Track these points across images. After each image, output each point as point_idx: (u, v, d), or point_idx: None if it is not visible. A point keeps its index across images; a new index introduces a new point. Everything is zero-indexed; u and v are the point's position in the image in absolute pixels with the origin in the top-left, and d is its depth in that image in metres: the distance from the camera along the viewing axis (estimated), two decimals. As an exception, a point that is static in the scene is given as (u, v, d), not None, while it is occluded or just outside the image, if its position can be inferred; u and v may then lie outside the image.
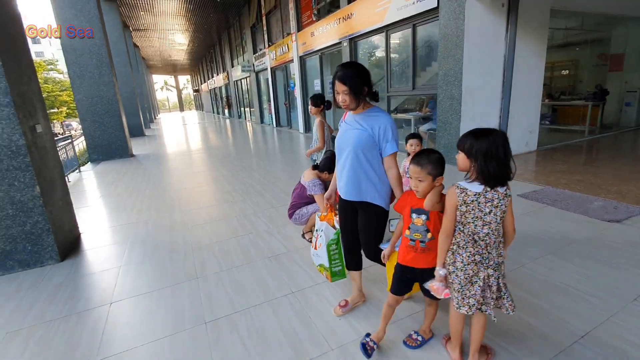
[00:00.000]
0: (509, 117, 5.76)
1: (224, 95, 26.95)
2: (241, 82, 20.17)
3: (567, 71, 10.74)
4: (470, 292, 1.50)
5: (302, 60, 11.15)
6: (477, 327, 1.60)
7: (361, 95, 1.78)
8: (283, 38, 12.31)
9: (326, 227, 2.20)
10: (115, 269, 2.99)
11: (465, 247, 1.49)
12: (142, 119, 15.53)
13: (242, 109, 21.67)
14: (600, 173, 4.78)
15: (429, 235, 1.56)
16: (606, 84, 8.61)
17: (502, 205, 1.42)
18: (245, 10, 16.20)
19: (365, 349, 1.73)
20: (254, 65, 16.13)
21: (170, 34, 21.38)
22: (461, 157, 1.44)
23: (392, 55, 7.24)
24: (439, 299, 1.66)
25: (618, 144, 6.78)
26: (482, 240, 1.46)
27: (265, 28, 13.74)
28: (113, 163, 8.57)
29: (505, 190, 1.42)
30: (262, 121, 17.10)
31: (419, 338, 1.84)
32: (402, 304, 2.06)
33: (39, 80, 3.69)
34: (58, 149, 4.39)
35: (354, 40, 8.11)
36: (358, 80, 1.75)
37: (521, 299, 2.16)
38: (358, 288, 2.18)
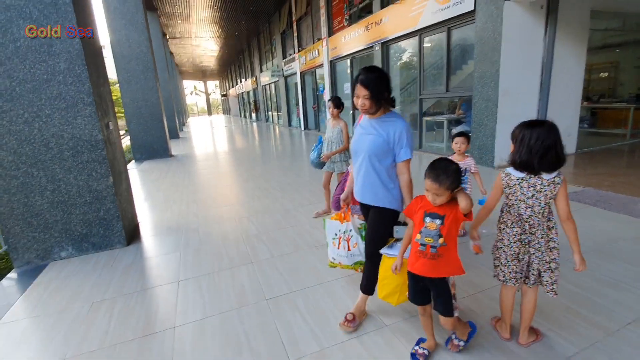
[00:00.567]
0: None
1: (251, 99, 27.71)
2: (270, 86, 20.72)
3: (607, 73, 10.39)
4: (516, 267, 1.65)
5: (332, 64, 11.40)
6: (527, 305, 1.72)
7: (381, 99, 1.76)
8: (313, 43, 12.63)
9: (353, 227, 2.25)
10: (177, 253, 3.29)
11: (512, 226, 1.64)
12: (177, 122, 16.33)
13: (270, 112, 22.22)
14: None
15: (441, 240, 1.50)
16: (649, 87, 8.29)
17: (545, 190, 1.53)
18: (275, 17, 16.73)
19: (416, 357, 1.71)
20: (283, 70, 16.58)
21: (204, 41, 22.33)
22: (512, 147, 1.59)
23: (425, 59, 7.33)
24: (453, 315, 1.61)
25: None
26: (526, 222, 1.60)
27: (295, 34, 14.14)
28: (155, 162, 9.11)
29: (554, 178, 1.52)
30: (289, 124, 17.49)
31: (460, 343, 1.76)
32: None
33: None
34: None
35: (386, 44, 8.26)
36: (380, 85, 1.73)
37: (568, 290, 2.24)
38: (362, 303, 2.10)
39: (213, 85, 58.79)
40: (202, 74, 44.42)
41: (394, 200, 1.88)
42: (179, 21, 16.84)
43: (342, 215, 2.30)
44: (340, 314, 2.14)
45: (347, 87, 10.70)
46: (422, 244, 1.54)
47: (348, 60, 10.43)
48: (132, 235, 3.80)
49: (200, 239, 3.60)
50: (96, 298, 2.58)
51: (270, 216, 4.15)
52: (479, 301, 2.20)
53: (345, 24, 9.89)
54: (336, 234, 2.30)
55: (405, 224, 1.85)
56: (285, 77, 16.64)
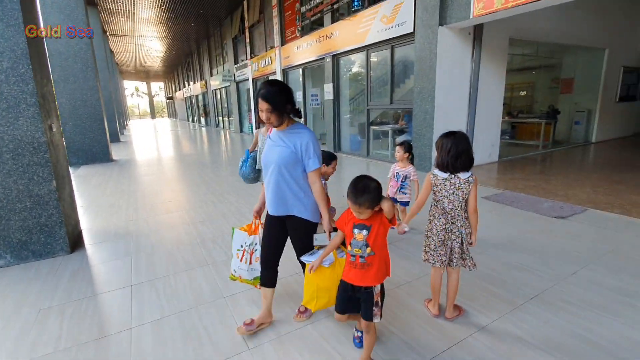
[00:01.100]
0: (474, 132, 6.49)
1: (200, 103, 26.88)
2: (220, 91, 20.34)
3: (525, 92, 11.94)
4: (442, 251, 2.00)
5: (285, 72, 11.64)
6: (452, 284, 2.09)
7: (284, 112, 1.79)
8: (266, 51, 12.77)
9: (258, 241, 2.21)
10: (127, 259, 3.24)
11: (439, 218, 2.00)
12: (117, 125, 15.35)
13: (220, 117, 21.76)
14: (551, 180, 5.54)
15: (368, 250, 1.59)
16: (558, 105, 9.72)
17: (462, 188, 1.92)
18: (227, 22, 16.58)
19: (356, 341, 1.93)
20: (234, 75, 16.44)
21: (148, 40, 21.27)
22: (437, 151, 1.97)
23: (372, 72, 7.88)
24: (376, 322, 1.68)
25: (567, 158, 7.73)
26: (449, 214, 1.97)
27: (247, 40, 14.17)
28: (94, 167, 8.54)
29: (468, 178, 1.92)
30: (241, 130, 17.33)
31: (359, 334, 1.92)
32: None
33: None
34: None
35: (336, 57, 8.71)
36: (281, 97, 1.76)
37: (484, 273, 2.68)
38: (267, 307, 2.12)
39: (157, 87, 55.77)
40: (145, 74, 41.96)
41: (305, 209, 1.90)
42: (121, 18, 15.92)
43: (253, 227, 2.25)
44: (296, 305, 2.34)
45: (299, 96, 10.99)
46: (352, 255, 1.63)
47: (301, 70, 10.75)
48: (76, 242, 3.64)
49: (152, 244, 3.57)
50: (43, 305, 2.49)
51: (226, 220, 4.22)
52: (414, 287, 2.54)
53: (298, 35, 10.21)
54: (242, 246, 2.25)
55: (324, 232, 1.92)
56: (237, 83, 16.51)
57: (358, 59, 8.47)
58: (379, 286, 1.66)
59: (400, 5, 6.31)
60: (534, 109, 11.14)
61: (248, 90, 15.13)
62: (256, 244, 2.21)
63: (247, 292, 2.55)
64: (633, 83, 10.32)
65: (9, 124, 2.97)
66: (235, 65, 16.19)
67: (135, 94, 54.13)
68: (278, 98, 1.75)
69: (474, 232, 2.01)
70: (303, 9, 9.40)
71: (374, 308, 1.65)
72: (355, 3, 7.48)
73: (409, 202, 3.54)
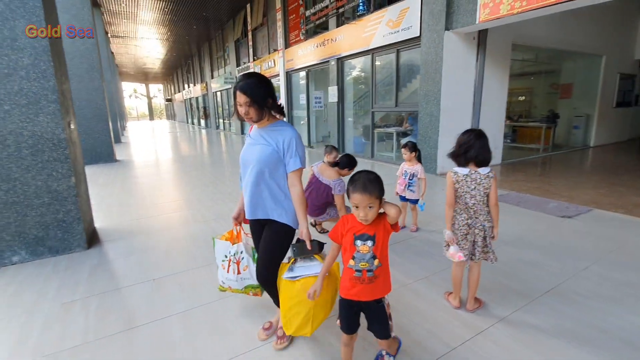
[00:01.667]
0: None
1: (201, 105, 26.91)
2: (221, 93, 20.40)
3: (524, 97, 12.13)
4: (465, 245, 2.07)
5: (289, 75, 11.74)
6: (473, 277, 2.15)
7: (264, 107, 1.66)
8: (269, 53, 12.88)
9: (245, 247, 2.08)
10: (146, 254, 3.28)
11: (461, 213, 2.07)
12: (119, 125, 15.35)
13: (221, 119, 21.81)
14: (554, 182, 5.65)
15: (376, 262, 1.46)
16: (557, 109, 9.90)
17: (483, 183, 2.00)
18: (229, 24, 16.69)
19: None
20: (236, 77, 16.52)
21: (150, 42, 21.33)
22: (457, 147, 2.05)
23: (377, 75, 7.99)
24: (394, 337, 1.64)
25: (567, 160, 7.86)
26: (471, 209, 2.04)
27: (250, 43, 14.27)
28: (99, 167, 8.54)
29: (488, 173, 2.00)
30: (242, 132, 17.38)
31: (390, 359, 1.74)
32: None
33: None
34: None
35: (341, 60, 8.82)
36: (261, 90, 1.63)
37: (499, 268, 2.75)
38: None
39: (156, 89, 55.72)
40: (144, 76, 41.94)
41: (285, 213, 1.77)
42: (123, 20, 15.97)
43: (235, 234, 2.11)
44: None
45: (302, 98, 11.08)
46: (357, 270, 1.47)
47: (304, 72, 10.84)
48: (91, 239, 3.67)
49: (167, 241, 3.61)
50: (65, 299, 2.52)
51: (236, 218, 4.26)
52: (431, 281, 2.61)
53: (302, 38, 10.32)
54: (226, 256, 2.10)
55: (302, 241, 1.75)
56: (238, 85, 16.58)
57: (363, 62, 8.58)
58: (386, 297, 1.56)
59: (406, 10, 6.43)
60: (533, 113, 11.32)
61: (249, 92, 15.20)
62: (242, 253, 2.05)
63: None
64: (629, 89, 10.54)
65: (29, 120, 3.01)
66: (237, 68, 16.27)
67: (133, 96, 54.00)
68: (257, 90, 1.62)
69: (496, 226, 2.08)
70: (308, 13, 9.51)
71: (390, 322, 1.55)
72: (361, 7, 7.61)
73: (417, 200, 3.62)
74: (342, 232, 1.51)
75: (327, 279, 1.67)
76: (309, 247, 1.71)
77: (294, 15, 10.58)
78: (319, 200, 3.46)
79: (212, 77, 21.36)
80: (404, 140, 7.74)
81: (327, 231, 3.70)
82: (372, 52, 7.72)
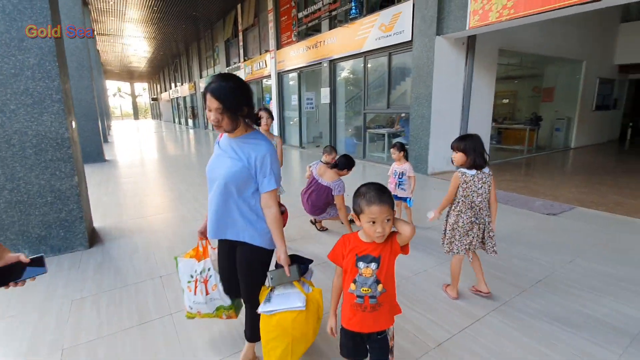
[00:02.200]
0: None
1: (189, 105, 26.64)
2: (210, 93, 20.26)
3: (508, 100, 12.54)
4: (466, 240, 2.23)
5: (280, 76, 11.81)
6: (477, 264, 2.37)
7: (239, 115, 1.45)
8: (260, 54, 12.92)
9: (212, 263, 1.87)
10: (150, 251, 3.33)
11: (465, 212, 2.22)
12: (105, 125, 15.09)
13: (210, 119, 21.64)
14: (538, 182, 5.93)
15: (380, 287, 1.30)
16: (540, 112, 10.29)
17: (488, 181, 2.19)
18: (219, 24, 16.63)
19: None
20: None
21: (137, 40, 21.01)
22: (459, 155, 2.19)
23: (369, 77, 8.16)
24: None
25: (550, 161, 8.21)
26: (477, 206, 2.20)
27: (241, 43, 14.27)
28: (89, 167, 8.37)
29: (489, 171, 2.17)
30: (232, 132, 17.34)
31: None
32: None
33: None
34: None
35: (333, 62, 8.96)
36: (235, 96, 1.40)
37: (491, 262, 2.92)
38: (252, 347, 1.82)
39: (140, 87, 54.74)
40: (129, 74, 41.17)
41: (259, 235, 1.57)
42: (111, 18, 15.72)
43: (200, 250, 1.92)
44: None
45: (294, 99, 11.18)
46: (359, 296, 1.31)
47: (296, 74, 10.94)
48: (92, 237, 3.68)
49: (169, 239, 3.66)
50: (74, 296, 2.56)
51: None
52: (430, 274, 2.76)
53: (294, 40, 10.41)
54: (192, 276, 1.87)
55: (280, 266, 1.56)
56: (228, 85, 16.53)
57: (355, 65, 8.74)
58: (392, 327, 1.41)
59: (398, 14, 6.61)
60: (517, 116, 11.71)
61: (240, 92, 15.18)
62: (209, 269, 1.85)
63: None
64: (607, 93, 11.04)
65: (34, 119, 3.03)
66: (227, 68, 16.23)
67: (117, 94, 52.90)
68: (232, 96, 1.39)
69: (494, 220, 2.26)
70: (300, 15, 9.61)
71: (389, 356, 1.40)
72: (353, 11, 7.76)
73: (407, 197, 3.75)
74: (343, 253, 1.36)
75: (308, 308, 1.51)
76: (287, 273, 1.53)
77: (286, 17, 10.67)
78: (320, 201, 3.56)
79: (201, 77, 21.21)
80: (394, 141, 7.94)
81: (326, 229, 3.82)
82: (365, 54, 7.88)
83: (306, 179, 3.77)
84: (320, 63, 9.28)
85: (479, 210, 2.22)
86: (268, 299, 1.56)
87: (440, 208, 2.36)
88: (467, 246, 2.25)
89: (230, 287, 1.79)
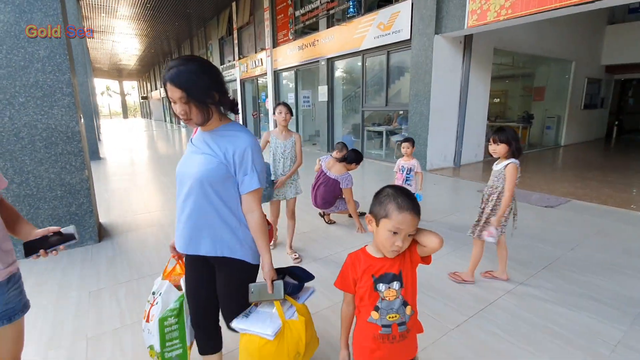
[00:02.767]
0: (464, 133, 7.00)
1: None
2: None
3: (499, 99, 12.81)
4: (505, 228, 2.40)
5: (276, 74, 11.83)
6: (503, 250, 2.50)
7: (209, 104, 1.20)
8: (256, 52, 12.91)
9: (167, 289, 1.52)
10: (161, 245, 3.34)
11: (513, 201, 2.35)
12: (95, 123, 14.87)
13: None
14: (533, 177, 6.10)
15: (409, 309, 1.11)
16: (531, 111, 10.55)
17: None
18: (212, 22, 16.53)
19: None
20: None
21: (128, 38, 20.72)
22: (502, 147, 2.30)
23: (368, 76, 8.25)
24: None
25: (543, 158, 8.43)
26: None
27: (236, 41, 14.22)
28: (84, 164, 8.33)
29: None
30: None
31: None
32: None
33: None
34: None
35: (331, 60, 9.03)
36: (202, 81, 1.17)
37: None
38: None
39: (129, 86, 53.97)
40: (118, 72, 40.52)
41: (241, 246, 1.32)
42: (102, 14, 15.47)
43: (168, 269, 1.65)
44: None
45: (291, 97, 11.21)
46: (384, 325, 1.09)
47: (293, 72, 10.98)
48: (100, 232, 3.68)
49: (179, 233, 3.67)
50: (91, 288, 2.58)
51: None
52: (440, 263, 2.85)
53: (291, 38, 10.44)
54: (154, 293, 1.56)
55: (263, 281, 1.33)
56: (222, 83, 16.45)
57: (353, 63, 8.83)
58: (417, 355, 1.21)
59: (397, 13, 6.72)
60: (508, 114, 11.98)
61: (235, 91, 15.15)
62: (160, 294, 1.50)
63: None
64: (595, 92, 11.38)
65: (44, 112, 3.02)
66: (222, 66, 16.15)
67: (105, 93, 52.02)
68: (197, 81, 1.15)
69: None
70: (297, 13, 9.65)
71: None
72: (351, 10, 7.84)
73: (416, 194, 3.80)
74: (353, 277, 1.13)
75: (282, 339, 1.27)
76: (269, 290, 1.30)
77: (283, 15, 10.70)
78: (328, 195, 3.62)
79: (194, 75, 21.00)
80: (394, 138, 8.05)
81: (334, 222, 3.89)
82: (363, 53, 7.97)
83: (315, 173, 3.82)
84: (318, 61, 9.34)
85: (515, 198, 2.35)
86: (247, 314, 1.34)
87: (502, 211, 2.35)
88: (502, 232, 2.38)
89: (198, 313, 1.45)
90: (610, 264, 2.80)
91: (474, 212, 2.54)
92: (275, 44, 11.43)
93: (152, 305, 1.52)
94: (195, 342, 1.54)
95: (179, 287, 1.57)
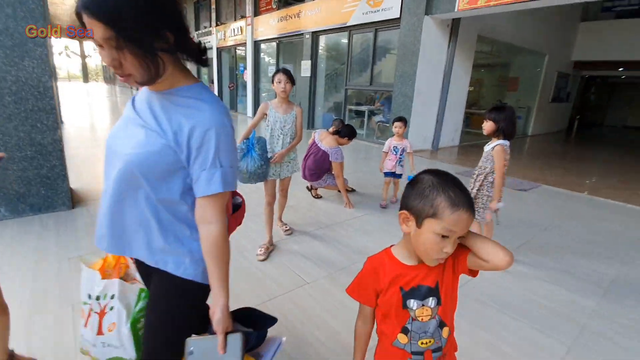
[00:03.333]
0: (444, 117, 7.16)
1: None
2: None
3: (474, 88, 13.16)
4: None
5: (257, 45, 11.37)
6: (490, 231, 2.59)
7: (156, 49, 0.78)
8: (235, 20, 12.28)
9: (121, 289, 1.16)
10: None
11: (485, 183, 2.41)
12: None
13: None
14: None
15: (446, 331, 0.90)
16: (505, 101, 10.95)
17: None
18: (187, -17, 15.45)
19: None
20: (194, 42, 15.50)
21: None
22: (489, 124, 2.33)
23: (353, 53, 8.13)
24: None
25: (512, 146, 8.82)
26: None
27: (213, 6, 13.43)
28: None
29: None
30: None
31: None
32: None
33: None
34: None
35: (316, 34, 8.78)
36: (142, 9, 0.74)
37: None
38: None
39: (91, 47, 49.78)
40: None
41: (191, 261, 0.92)
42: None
43: (111, 261, 1.27)
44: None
45: (271, 70, 10.86)
46: (415, 352, 0.88)
47: (275, 44, 10.59)
48: (73, 198, 3.45)
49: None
50: (70, 254, 2.44)
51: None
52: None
53: (274, 7, 10.01)
54: (89, 296, 1.19)
55: (209, 328, 0.89)
56: (197, 51, 15.60)
57: (339, 38, 8.64)
58: None
59: (388, -10, 6.60)
60: (480, 103, 12.37)
61: (211, 59, 14.44)
62: (112, 298, 1.16)
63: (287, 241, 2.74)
64: (563, 87, 11.99)
65: (14, 64, 2.72)
66: (197, 32, 15.27)
67: (64, 53, 47.77)
68: (134, 10, 0.73)
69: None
70: (282, -19, 9.22)
71: None
72: (340, -18, 7.60)
73: (401, 174, 3.80)
74: (375, 288, 0.90)
75: None
76: (220, 348, 0.85)
77: (266, -18, 10.19)
78: (316, 166, 3.59)
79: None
80: (375, 119, 8.09)
81: (321, 197, 3.89)
82: (350, 29, 7.82)
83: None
84: (302, 34, 9.06)
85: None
86: None
87: (498, 190, 2.42)
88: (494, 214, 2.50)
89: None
90: (582, 243, 3.04)
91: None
92: (257, 12, 10.92)
93: (102, 314, 1.16)
94: None
95: (126, 278, 1.24)
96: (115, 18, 0.72)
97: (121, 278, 1.21)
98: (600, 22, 10.69)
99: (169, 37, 0.80)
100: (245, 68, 12.13)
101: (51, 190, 3.10)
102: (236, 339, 0.86)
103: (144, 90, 0.92)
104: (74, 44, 47.13)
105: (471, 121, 11.20)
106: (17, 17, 2.65)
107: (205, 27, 14.72)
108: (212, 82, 14.71)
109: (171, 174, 0.87)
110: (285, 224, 3.03)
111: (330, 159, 3.54)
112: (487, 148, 2.52)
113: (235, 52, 13.15)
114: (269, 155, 2.54)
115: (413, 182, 0.85)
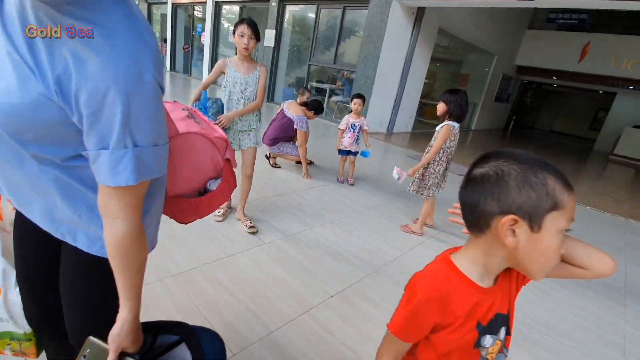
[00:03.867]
0: (401, 103, 7.47)
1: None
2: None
3: (428, 80, 13.79)
4: (440, 185, 2.66)
5: (218, 6, 10.68)
6: (433, 208, 2.80)
7: None
8: (195, -25, 11.38)
9: (3, 240, 0.94)
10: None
11: (441, 163, 2.63)
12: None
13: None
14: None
15: None
16: (455, 95, 11.65)
17: (458, 134, 2.58)
18: None
19: None
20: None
21: None
22: (441, 105, 2.51)
23: (320, 29, 8.03)
24: None
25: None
26: (451, 156, 2.59)
27: (170, -44, 12.26)
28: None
29: (459, 127, 2.56)
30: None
31: None
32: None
33: None
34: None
35: (283, 3, 8.50)
36: None
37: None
38: None
39: None
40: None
41: (87, 236, 0.73)
42: None
43: None
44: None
45: (231, 37, 10.32)
46: None
47: (238, 7, 10.05)
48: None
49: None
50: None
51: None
52: (382, 212, 3.17)
53: (239, -33, 9.44)
54: None
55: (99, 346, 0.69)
56: (149, 4, 14.24)
57: (307, 11, 8.46)
58: None
59: (359, -32, 6.57)
60: (431, 95, 13.05)
61: (164, 16, 13.30)
62: None
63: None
64: (505, 88, 13.08)
65: None
66: (149, -17, 13.89)
67: None
68: None
69: None
70: (250, -60, 8.70)
71: None
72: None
73: (364, 151, 3.88)
74: (436, 321, 0.64)
75: None
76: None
77: (233, -62, 9.53)
78: (278, 131, 3.61)
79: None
80: (335, 99, 8.17)
81: (279, 167, 3.92)
82: (318, 2, 7.69)
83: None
84: (268, 1, 8.70)
85: (449, 160, 2.63)
86: None
87: (421, 164, 2.61)
88: (438, 189, 2.67)
89: (38, 304, 0.90)
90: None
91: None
92: (220, -29, 10.22)
93: None
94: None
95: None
96: None
97: None
98: (544, 31, 11.73)
99: None
100: (203, 30, 11.38)
101: None
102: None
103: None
104: None
105: (424, 110, 11.83)
106: None
107: (159, -22, 13.44)
108: (165, 42, 13.61)
109: (60, 135, 0.59)
110: (248, 219, 2.45)
111: (295, 127, 3.56)
112: (438, 128, 2.70)
113: (193, 11, 12.25)
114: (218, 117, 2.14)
115: (495, 172, 0.58)
